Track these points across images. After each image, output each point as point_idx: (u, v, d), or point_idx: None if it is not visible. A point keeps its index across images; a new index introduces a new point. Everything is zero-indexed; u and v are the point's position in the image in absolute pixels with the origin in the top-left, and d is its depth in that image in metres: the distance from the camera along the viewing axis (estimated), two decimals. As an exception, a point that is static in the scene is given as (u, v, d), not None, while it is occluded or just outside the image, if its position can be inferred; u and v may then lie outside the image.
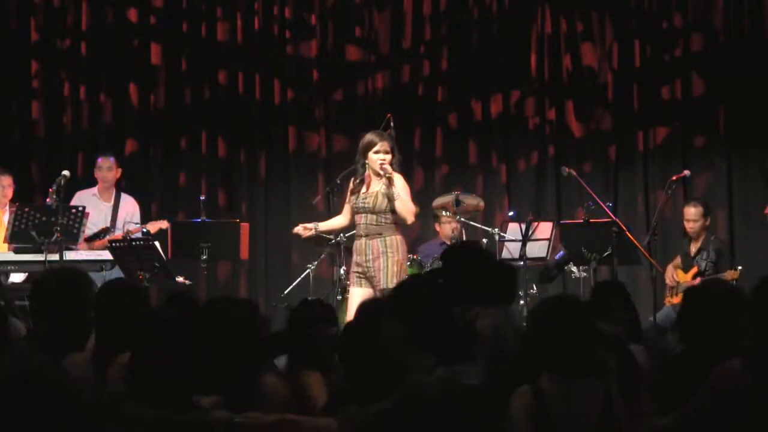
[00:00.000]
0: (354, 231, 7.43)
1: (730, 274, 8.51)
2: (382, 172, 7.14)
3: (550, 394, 3.53)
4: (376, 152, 7.19)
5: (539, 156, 10.50)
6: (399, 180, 7.23)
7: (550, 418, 3.50)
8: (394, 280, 6.92)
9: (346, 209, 7.40)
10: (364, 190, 7.23)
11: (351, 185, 7.33)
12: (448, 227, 9.17)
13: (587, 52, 10.40)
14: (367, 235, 7.18)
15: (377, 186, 7.20)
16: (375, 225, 7.18)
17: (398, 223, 7.22)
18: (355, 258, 7.24)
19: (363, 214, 7.21)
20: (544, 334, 3.65)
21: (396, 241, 7.17)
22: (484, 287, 4.71)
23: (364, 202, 7.19)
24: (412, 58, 10.63)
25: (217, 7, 10.70)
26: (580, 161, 10.25)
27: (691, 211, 9.01)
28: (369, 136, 7.28)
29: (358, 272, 7.18)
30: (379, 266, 7.09)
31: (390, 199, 7.13)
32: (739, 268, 8.54)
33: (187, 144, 10.64)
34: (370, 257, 7.12)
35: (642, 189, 10.27)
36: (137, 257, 7.94)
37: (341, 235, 8.13)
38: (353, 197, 7.27)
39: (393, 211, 7.16)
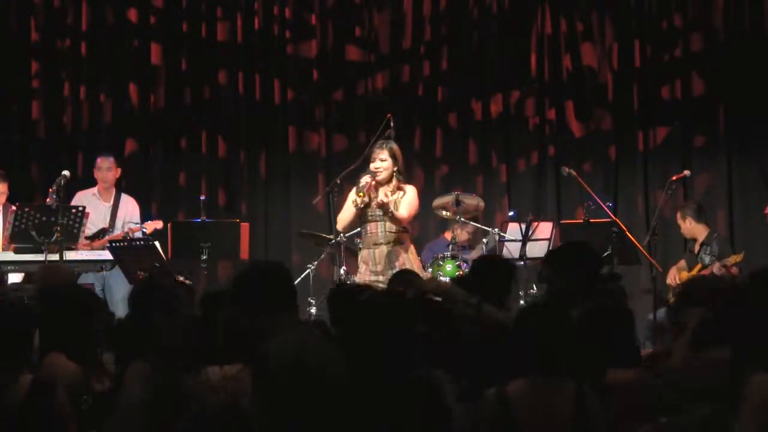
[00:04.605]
0: (352, 233, 7.47)
1: (733, 259, 8.54)
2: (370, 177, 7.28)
3: (517, 397, 3.51)
4: (373, 160, 7.33)
5: (539, 156, 10.50)
6: (411, 192, 7.37)
7: (516, 422, 3.48)
8: None
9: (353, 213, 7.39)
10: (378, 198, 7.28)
11: (356, 196, 7.33)
12: (464, 234, 9.18)
13: (587, 52, 10.40)
14: (387, 242, 7.25)
15: (395, 197, 7.27)
16: (394, 233, 7.26)
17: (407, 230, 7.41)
18: (372, 267, 7.25)
19: (380, 222, 7.25)
20: (518, 337, 3.65)
21: (412, 248, 7.40)
22: None
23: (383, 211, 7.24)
24: (412, 58, 10.63)
25: (217, 7, 10.70)
26: (580, 161, 10.25)
27: (677, 217, 9.10)
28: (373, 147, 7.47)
29: (378, 281, 7.14)
30: None
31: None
32: (743, 252, 8.60)
33: (187, 144, 10.64)
34: (396, 264, 7.18)
35: (642, 189, 10.27)
36: (137, 257, 7.94)
37: (341, 235, 8.14)
38: (364, 207, 7.28)
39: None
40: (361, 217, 7.34)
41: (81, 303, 4.19)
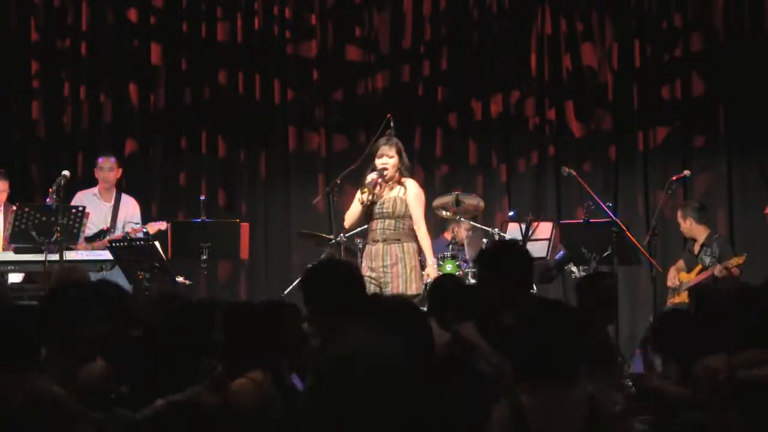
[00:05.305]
0: (352, 233, 7.47)
1: (735, 260, 8.53)
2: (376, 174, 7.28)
3: (529, 407, 3.43)
4: (380, 156, 7.31)
5: (539, 156, 10.50)
6: (413, 188, 7.33)
7: (529, 429, 3.41)
8: (413, 286, 7.14)
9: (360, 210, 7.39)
10: (382, 196, 7.28)
11: (361, 194, 7.33)
12: (462, 232, 9.18)
13: (587, 52, 10.40)
14: (384, 240, 7.25)
15: (395, 192, 7.27)
16: (393, 230, 7.27)
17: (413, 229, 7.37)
18: (369, 263, 7.27)
19: (380, 220, 7.26)
20: (524, 343, 3.57)
21: (412, 248, 7.31)
22: None
23: (382, 207, 7.25)
24: (412, 58, 10.63)
25: (217, 7, 10.70)
26: (580, 161, 10.25)
27: (678, 215, 9.08)
28: (379, 143, 7.45)
29: (371, 277, 7.19)
30: (397, 272, 7.17)
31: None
32: (745, 254, 8.59)
33: (187, 144, 10.65)
34: (388, 263, 7.19)
35: (642, 189, 10.27)
36: (137, 257, 7.94)
37: (341, 235, 8.14)
38: (369, 203, 7.29)
39: (411, 217, 7.28)
40: (367, 215, 7.37)
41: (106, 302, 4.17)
